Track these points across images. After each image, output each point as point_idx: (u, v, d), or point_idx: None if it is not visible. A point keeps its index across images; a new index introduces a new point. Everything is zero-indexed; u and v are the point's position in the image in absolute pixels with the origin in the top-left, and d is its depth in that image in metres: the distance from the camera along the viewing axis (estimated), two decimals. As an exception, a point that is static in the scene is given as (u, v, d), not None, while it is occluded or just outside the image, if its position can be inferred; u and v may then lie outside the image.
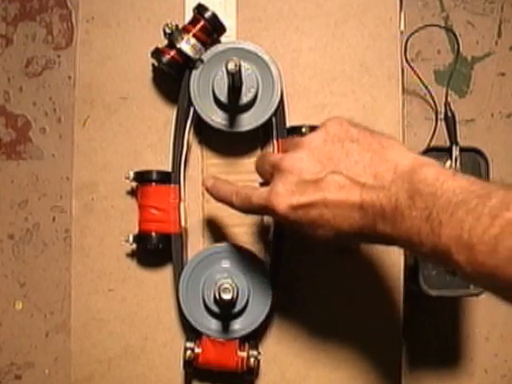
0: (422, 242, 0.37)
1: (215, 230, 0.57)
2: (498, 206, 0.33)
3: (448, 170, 0.38)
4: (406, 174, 0.38)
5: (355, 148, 0.42)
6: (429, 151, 0.60)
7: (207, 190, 0.51)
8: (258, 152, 0.58)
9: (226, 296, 0.50)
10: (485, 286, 0.36)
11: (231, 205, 0.48)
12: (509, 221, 0.33)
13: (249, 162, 0.57)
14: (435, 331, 0.71)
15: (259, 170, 0.48)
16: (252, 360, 0.53)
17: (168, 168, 0.55)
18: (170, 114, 0.57)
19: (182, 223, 0.55)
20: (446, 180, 0.37)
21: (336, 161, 0.42)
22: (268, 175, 0.46)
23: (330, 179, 0.40)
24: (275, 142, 0.55)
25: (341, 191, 0.40)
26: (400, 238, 0.38)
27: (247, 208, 0.46)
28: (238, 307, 0.52)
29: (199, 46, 0.54)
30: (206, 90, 0.55)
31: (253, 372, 0.53)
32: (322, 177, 0.41)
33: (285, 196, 0.42)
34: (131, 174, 0.55)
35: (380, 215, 0.39)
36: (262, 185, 0.49)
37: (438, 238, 0.36)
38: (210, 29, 0.55)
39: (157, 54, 0.55)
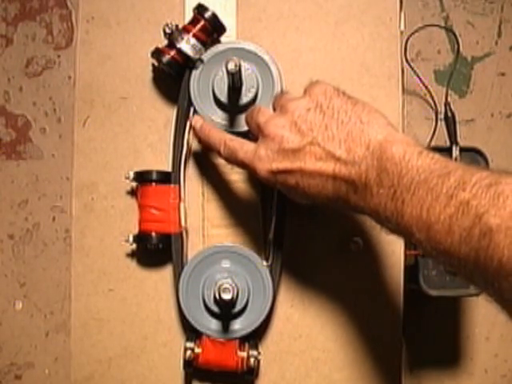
0: (388, 219, 0.39)
1: (215, 229, 0.57)
2: (455, 185, 0.35)
3: (416, 148, 0.40)
4: (377, 151, 0.41)
5: (334, 122, 0.43)
6: (429, 151, 0.60)
7: (194, 131, 0.53)
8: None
9: (226, 296, 0.50)
10: (444, 264, 0.38)
11: (218, 153, 0.50)
12: (463, 201, 0.34)
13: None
14: (435, 331, 0.71)
15: (248, 123, 0.50)
16: (252, 360, 0.53)
17: (168, 168, 0.55)
18: (170, 114, 0.57)
19: (182, 223, 0.55)
20: (411, 159, 0.39)
21: (315, 132, 0.43)
22: (254, 131, 0.49)
23: (308, 150, 0.43)
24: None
25: (317, 162, 0.43)
26: (370, 211, 0.41)
27: (232, 161, 0.49)
28: (238, 307, 0.52)
29: (199, 46, 0.54)
30: (205, 90, 0.55)
31: (253, 372, 0.53)
32: (301, 147, 0.44)
33: (266, 161, 0.45)
34: (131, 174, 0.55)
35: (352, 189, 0.41)
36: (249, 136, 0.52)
37: (401, 216, 0.38)
38: (210, 29, 0.55)
39: (157, 54, 0.55)
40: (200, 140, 0.53)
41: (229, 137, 0.50)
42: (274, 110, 0.48)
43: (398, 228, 0.39)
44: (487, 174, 0.35)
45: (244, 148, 0.48)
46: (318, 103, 0.44)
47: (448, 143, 0.63)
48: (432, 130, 0.70)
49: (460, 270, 0.36)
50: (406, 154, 0.39)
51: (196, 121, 0.53)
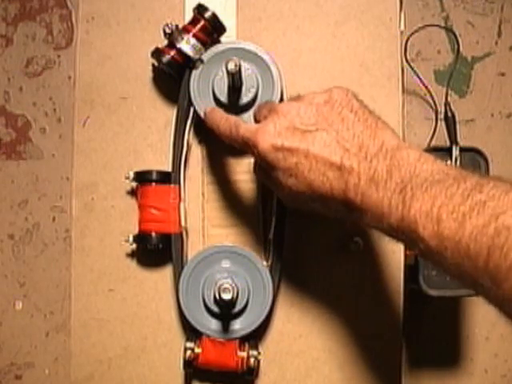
0: (390, 213, 0.38)
1: (215, 229, 0.57)
2: (471, 187, 0.35)
3: (431, 156, 0.40)
4: (390, 151, 0.40)
5: (351, 118, 0.43)
6: (429, 151, 0.60)
7: (204, 116, 0.52)
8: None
9: (226, 296, 0.50)
10: (443, 261, 0.36)
11: (217, 131, 0.49)
12: (479, 202, 0.34)
13: (249, 162, 0.57)
14: (435, 331, 0.71)
15: (256, 112, 0.49)
16: (252, 360, 0.53)
17: (168, 168, 0.55)
18: (170, 113, 0.57)
19: (182, 223, 0.55)
20: (426, 162, 0.39)
21: (330, 122, 0.43)
22: (262, 118, 0.47)
23: (318, 135, 0.42)
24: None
25: (324, 149, 0.42)
26: (368, 208, 0.40)
27: (231, 136, 0.47)
28: (238, 307, 0.52)
29: (199, 45, 0.54)
30: (206, 90, 0.55)
31: (253, 372, 0.53)
32: (312, 130, 0.43)
33: (271, 135, 0.43)
34: (131, 174, 0.55)
35: (353, 182, 0.40)
36: None
37: (408, 210, 0.37)
38: (210, 29, 0.55)
39: (157, 54, 0.55)
40: (206, 122, 0.51)
41: (232, 116, 0.49)
42: None
43: (400, 222, 0.38)
44: (504, 182, 0.35)
45: (246, 124, 0.46)
46: (338, 100, 0.44)
47: (448, 143, 0.63)
48: (432, 130, 0.70)
49: (459, 269, 0.35)
50: (422, 157, 0.39)
51: (208, 108, 0.52)
